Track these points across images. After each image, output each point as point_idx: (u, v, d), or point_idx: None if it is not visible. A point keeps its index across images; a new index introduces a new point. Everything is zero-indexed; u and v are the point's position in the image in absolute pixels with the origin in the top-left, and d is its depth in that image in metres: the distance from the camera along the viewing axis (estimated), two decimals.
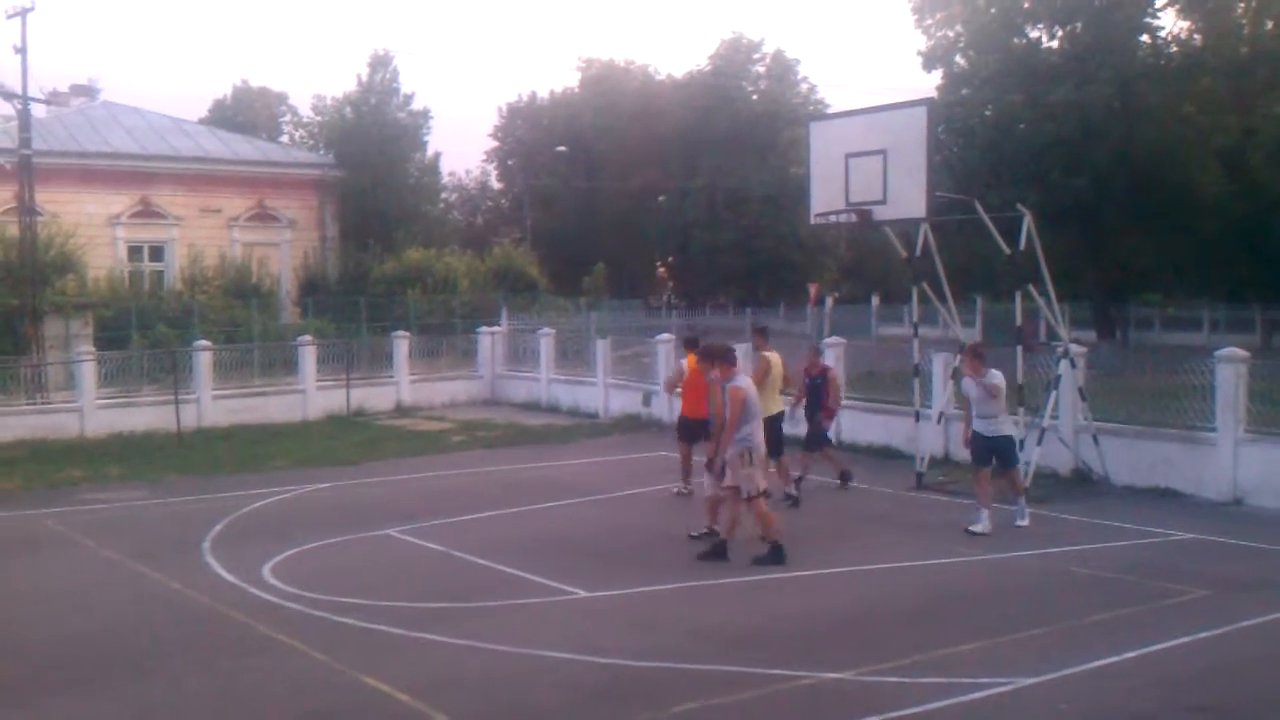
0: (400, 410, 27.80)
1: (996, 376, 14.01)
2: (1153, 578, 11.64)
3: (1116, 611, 10.45)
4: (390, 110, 53.67)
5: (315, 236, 45.96)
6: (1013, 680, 8.62)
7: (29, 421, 23.33)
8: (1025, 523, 14.16)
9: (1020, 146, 42.65)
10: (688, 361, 15.80)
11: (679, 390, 16.48)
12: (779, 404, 15.49)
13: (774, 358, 15.50)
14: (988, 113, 44.28)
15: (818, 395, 16.28)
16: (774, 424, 14.86)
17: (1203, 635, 9.73)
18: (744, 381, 12.59)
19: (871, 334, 50.32)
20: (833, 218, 17.02)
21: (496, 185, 78.87)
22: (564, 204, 69.14)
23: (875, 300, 59.69)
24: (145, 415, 24.12)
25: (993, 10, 45.27)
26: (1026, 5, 45.46)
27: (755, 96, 70.92)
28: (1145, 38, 45.16)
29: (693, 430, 15.47)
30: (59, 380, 25.56)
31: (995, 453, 14.03)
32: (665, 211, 71.27)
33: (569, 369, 28.65)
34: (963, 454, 18.63)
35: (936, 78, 48.14)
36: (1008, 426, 14.23)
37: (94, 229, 39.24)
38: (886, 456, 19.64)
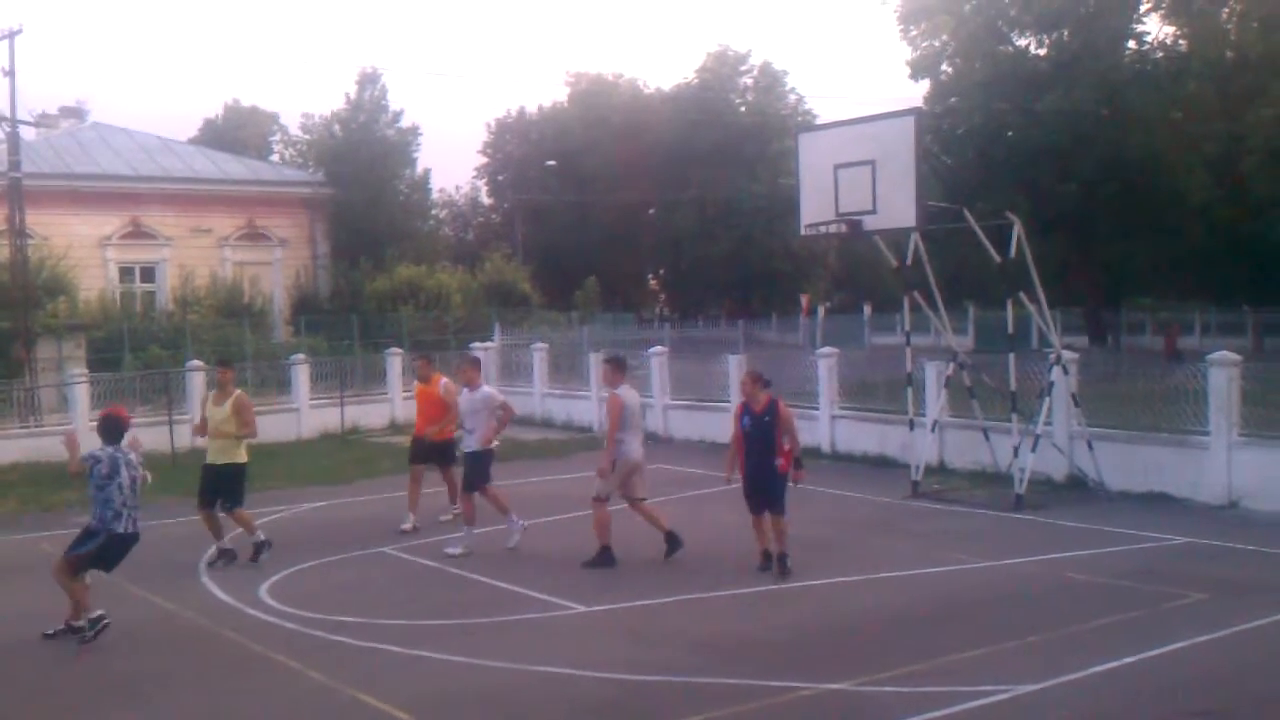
0: (394, 427, 27.72)
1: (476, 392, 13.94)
2: (1150, 582, 11.64)
3: (1114, 617, 10.44)
4: (379, 127, 53.71)
5: (306, 255, 45.94)
6: (1012, 688, 8.61)
7: (22, 444, 23.22)
8: (454, 551, 13.48)
9: (1009, 154, 42.86)
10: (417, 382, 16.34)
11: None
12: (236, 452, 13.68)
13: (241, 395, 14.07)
14: (976, 121, 44.45)
15: (768, 439, 12.25)
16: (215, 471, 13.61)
17: (1201, 639, 9.74)
18: (622, 391, 13.08)
19: (864, 343, 50.37)
20: (823, 228, 17.04)
21: (487, 201, 79.03)
22: (555, 218, 69.22)
23: (867, 310, 59.84)
24: (138, 437, 24.00)
25: (978, 19, 45.45)
26: (1012, 13, 45.68)
27: (743, 108, 71.16)
28: (1131, 44, 45.40)
29: (418, 450, 15.78)
30: (52, 403, 25.49)
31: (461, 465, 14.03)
32: (656, 224, 71.44)
33: (562, 383, 28.64)
34: (959, 462, 18.77)
35: (924, 87, 48.37)
36: (470, 443, 13.90)
37: (85, 251, 39.19)
38: (881, 465, 19.68)
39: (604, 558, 12.85)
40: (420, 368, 16.26)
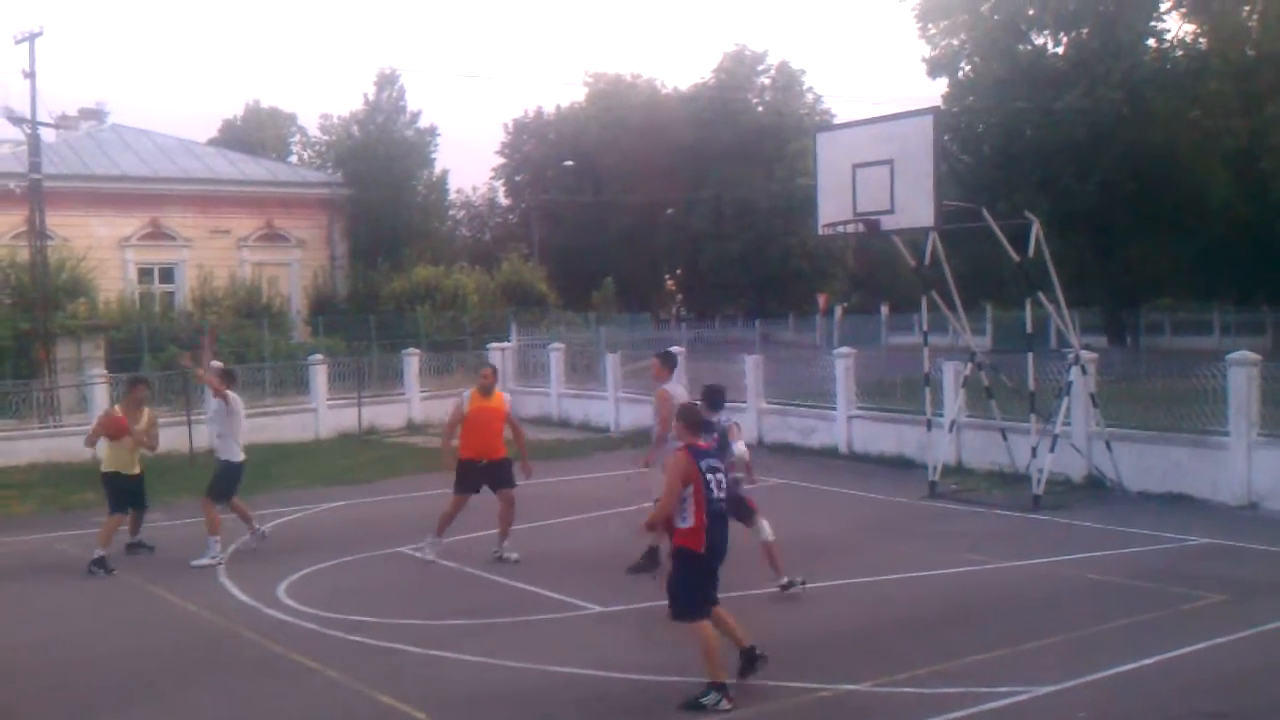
0: (412, 427, 27.81)
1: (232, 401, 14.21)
2: (1168, 583, 11.59)
3: (1132, 618, 10.40)
4: (397, 128, 53.77)
5: (324, 255, 46.03)
6: (1030, 689, 8.59)
7: (42, 445, 23.35)
8: (204, 561, 13.47)
9: (1028, 153, 42.69)
10: (471, 397, 13.65)
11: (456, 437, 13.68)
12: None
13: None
14: (994, 120, 44.30)
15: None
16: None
17: (1219, 641, 9.69)
18: (672, 387, 12.90)
19: (881, 343, 50.27)
20: (841, 228, 17.02)
21: (504, 201, 79.09)
22: (571, 219, 69.25)
23: (884, 309, 59.69)
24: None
25: (996, 18, 45.30)
26: (1030, 12, 45.48)
27: (761, 108, 71.06)
28: (1151, 42, 45.17)
29: (473, 477, 13.53)
30: (71, 403, 25.60)
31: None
32: (673, 224, 71.36)
33: (579, 383, 28.66)
34: (977, 462, 18.70)
35: (942, 86, 48.23)
36: (235, 451, 14.18)
37: (104, 252, 39.33)
38: (899, 465, 19.62)
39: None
40: (485, 378, 13.78)
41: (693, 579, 8.71)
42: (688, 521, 8.62)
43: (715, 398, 11.89)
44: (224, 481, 14.20)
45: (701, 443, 9.00)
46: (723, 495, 8.79)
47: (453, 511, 13.59)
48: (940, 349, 21.21)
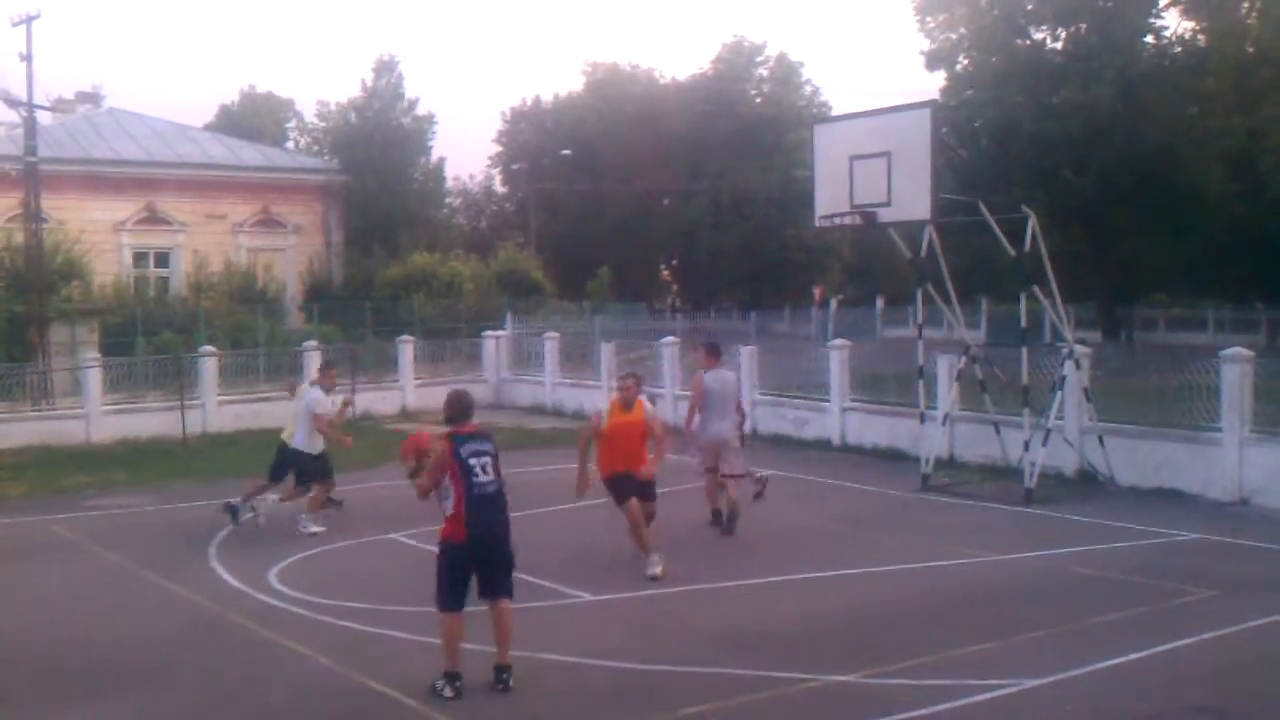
0: (405, 414, 27.79)
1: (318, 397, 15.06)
2: (1159, 578, 11.62)
3: (1123, 612, 10.43)
4: (394, 115, 53.79)
5: (320, 242, 46.03)
6: (1019, 682, 8.61)
7: (35, 428, 23.35)
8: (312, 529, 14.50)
9: (1025, 148, 42.67)
10: (610, 410, 12.46)
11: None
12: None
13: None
14: (992, 114, 44.30)
15: None
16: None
17: (1209, 636, 9.72)
18: (708, 375, 14.25)
19: (876, 336, 50.30)
20: (837, 220, 17.02)
21: (501, 189, 78.96)
22: (568, 208, 69.18)
23: (880, 302, 59.69)
24: (151, 421, 24.13)
25: (995, 12, 45.29)
26: (1029, 6, 45.48)
27: (759, 99, 71.00)
28: (1149, 38, 45.17)
29: (628, 485, 12.24)
30: (65, 387, 25.58)
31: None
32: (669, 214, 71.29)
33: (574, 372, 28.67)
34: (969, 455, 18.73)
35: (940, 79, 48.24)
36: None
37: (99, 235, 39.32)
38: (892, 458, 19.65)
39: (715, 519, 14.26)
40: (625, 390, 12.33)
41: (449, 569, 8.82)
42: (449, 509, 8.71)
43: (716, 349, 14.88)
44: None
45: (466, 428, 8.97)
46: (489, 478, 8.76)
47: (637, 518, 12.16)
48: (935, 342, 21.22)
